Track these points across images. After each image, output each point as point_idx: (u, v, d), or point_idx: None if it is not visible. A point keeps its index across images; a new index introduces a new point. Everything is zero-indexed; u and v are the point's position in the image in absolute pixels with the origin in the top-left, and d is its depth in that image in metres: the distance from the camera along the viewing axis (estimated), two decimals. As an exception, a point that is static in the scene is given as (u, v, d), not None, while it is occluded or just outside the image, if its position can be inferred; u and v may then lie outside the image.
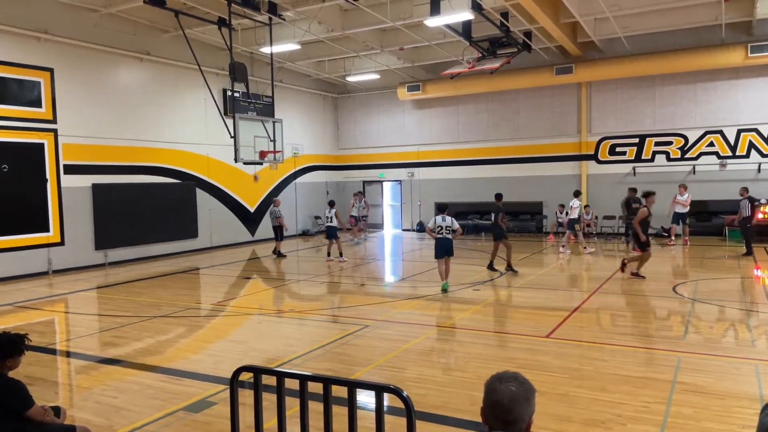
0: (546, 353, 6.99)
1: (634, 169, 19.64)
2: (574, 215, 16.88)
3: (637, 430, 4.78)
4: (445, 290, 10.86)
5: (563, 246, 16.91)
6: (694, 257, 15.04)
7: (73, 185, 14.75)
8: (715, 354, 6.85)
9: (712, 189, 18.53)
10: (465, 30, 16.03)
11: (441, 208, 11.19)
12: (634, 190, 16.97)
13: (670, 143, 19.27)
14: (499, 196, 13.40)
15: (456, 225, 11.02)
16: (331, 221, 15.88)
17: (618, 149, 20.06)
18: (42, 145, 14.08)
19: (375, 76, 22.07)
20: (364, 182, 25.01)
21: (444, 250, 10.97)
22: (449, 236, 10.94)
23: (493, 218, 13.38)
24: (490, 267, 13.25)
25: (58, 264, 14.41)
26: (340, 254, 15.78)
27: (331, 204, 16.37)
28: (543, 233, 21.03)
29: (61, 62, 14.43)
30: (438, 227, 10.96)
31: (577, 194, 17.15)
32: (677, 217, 17.37)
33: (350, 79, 22.44)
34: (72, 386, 6.52)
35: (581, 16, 15.28)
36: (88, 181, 15.11)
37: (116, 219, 15.63)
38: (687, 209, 17.26)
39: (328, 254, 15.96)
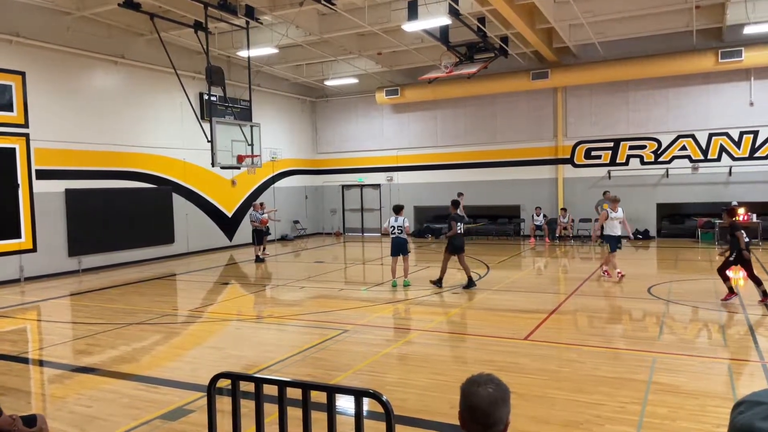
0: (524, 355, 7.05)
1: (609, 172, 19.93)
2: None
3: (615, 430, 4.84)
4: (395, 285, 11.97)
5: None
6: (667, 259, 15.28)
7: (45, 190, 14.46)
8: (689, 354, 6.97)
9: (684, 192, 18.90)
10: (443, 35, 16.16)
11: (396, 210, 12.18)
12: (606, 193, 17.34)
13: (643, 147, 19.60)
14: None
15: (406, 224, 12.07)
16: None
17: (593, 153, 20.34)
18: (13, 149, 13.79)
19: (353, 80, 22.08)
20: (343, 186, 24.98)
21: (397, 248, 12.01)
22: (402, 235, 11.91)
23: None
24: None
25: (30, 271, 14.11)
26: None
27: None
28: (521, 236, 21.21)
29: (34, 65, 14.17)
30: (392, 227, 12.02)
31: None
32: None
33: (328, 83, 22.40)
34: (45, 396, 6.38)
35: (556, 22, 15.49)
36: (61, 186, 14.84)
37: (90, 225, 15.35)
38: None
39: None
